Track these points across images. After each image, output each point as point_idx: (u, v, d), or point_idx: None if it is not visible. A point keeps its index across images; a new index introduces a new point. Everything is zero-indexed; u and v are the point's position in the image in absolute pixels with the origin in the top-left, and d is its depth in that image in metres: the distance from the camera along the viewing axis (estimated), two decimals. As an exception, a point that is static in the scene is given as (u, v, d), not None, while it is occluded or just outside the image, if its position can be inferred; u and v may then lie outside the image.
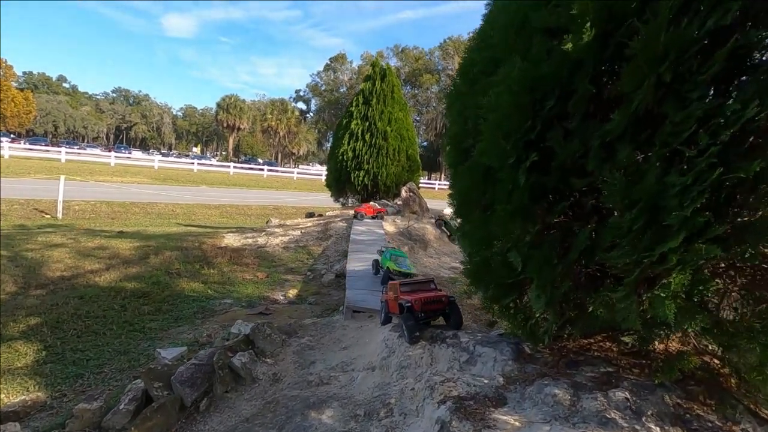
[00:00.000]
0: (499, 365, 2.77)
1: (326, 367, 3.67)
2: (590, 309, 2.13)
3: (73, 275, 7.55)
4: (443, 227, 12.09)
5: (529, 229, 2.10)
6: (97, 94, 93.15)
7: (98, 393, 3.70)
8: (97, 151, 55.22)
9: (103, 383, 4.26)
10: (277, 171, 51.84)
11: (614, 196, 1.82)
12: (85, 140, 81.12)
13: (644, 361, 2.57)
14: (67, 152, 36.40)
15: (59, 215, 15.05)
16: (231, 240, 11.36)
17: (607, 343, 2.82)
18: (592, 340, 2.91)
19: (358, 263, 7.49)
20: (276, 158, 76.71)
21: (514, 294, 2.45)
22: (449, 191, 3.13)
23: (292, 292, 7.56)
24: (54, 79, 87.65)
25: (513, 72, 2.10)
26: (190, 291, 7.31)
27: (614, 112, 1.87)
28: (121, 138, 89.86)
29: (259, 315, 6.29)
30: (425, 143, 60.98)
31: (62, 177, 15.76)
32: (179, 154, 78.20)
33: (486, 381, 2.60)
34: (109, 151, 54.49)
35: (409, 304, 3.34)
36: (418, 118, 59.96)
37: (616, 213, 1.91)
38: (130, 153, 58.04)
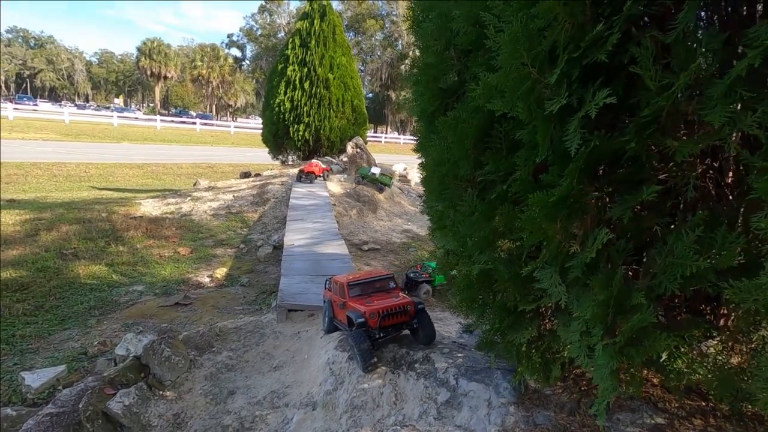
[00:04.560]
0: (497, 413, 1.90)
1: (250, 400, 2.67)
2: (664, 360, 1.25)
3: None
4: (362, 182, 10.90)
5: (586, 235, 1.16)
6: (-13, 35, 79.24)
7: None
8: (-6, 102, 47.66)
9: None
10: (212, 125, 47.77)
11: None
12: (-21, 90, 69.77)
13: (706, 404, 1.78)
14: (-51, 104, 30.87)
15: (-72, 182, 12.39)
16: (149, 207, 9.72)
17: (642, 370, 2.01)
18: (618, 365, 2.08)
19: (298, 234, 6.39)
20: (211, 111, 70.84)
21: (532, 328, 1.54)
22: (418, 157, 2.10)
23: (221, 272, 6.37)
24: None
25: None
26: (89, 277, 5.90)
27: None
28: (25, 87, 78.25)
29: (174, 307, 5.11)
30: (370, 94, 58.62)
31: (-72, 134, 12.87)
32: (98, 106, 69.73)
33: (480, 443, 1.73)
34: (9, 102, 47.25)
35: (362, 320, 2.36)
36: (362, 68, 57.00)
37: None
38: (35, 105, 50.77)
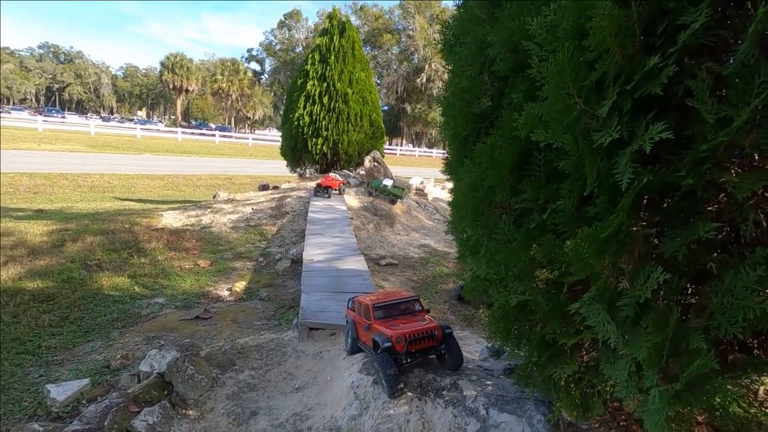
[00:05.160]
0: (531, 448, 1.82)
1: (272, 422, 2.63)
2: (718, 403, 1.18)
3: (-47, 274, 6.00)
4: (375, 194, 10.90)
5: (635, 270, 1.11)
6: (20, 50, 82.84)
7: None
8: (25, 114, 49.56)
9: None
10: (230, 137, 48.82)
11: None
12: (11, 102, 72.80)
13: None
14: (-17, 116, 32.20)
15: (-38, 192, 12.85)
16: (170, 219, 9.88)
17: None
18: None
19: (317, 249, 6.39)
20: (229, 123, 72.35)
21: (572, 362, 1.49)
22: (447, 179, 2.08)
23: (240, 285, 6.39)
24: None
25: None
26: (112, 289, 5.99)
27: None
28: (54, 100, 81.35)
29: (195, 320, 5.13)
30: (386, 107, 59.22)
31: (-36, 146, 13.39)
32: (122, 118, 72.04)
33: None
34: (39, 114, 49.03)
35: (389, 344, 2.32)
36: (378, 81, 57.66)
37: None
38: (63, 117, 52.61)
